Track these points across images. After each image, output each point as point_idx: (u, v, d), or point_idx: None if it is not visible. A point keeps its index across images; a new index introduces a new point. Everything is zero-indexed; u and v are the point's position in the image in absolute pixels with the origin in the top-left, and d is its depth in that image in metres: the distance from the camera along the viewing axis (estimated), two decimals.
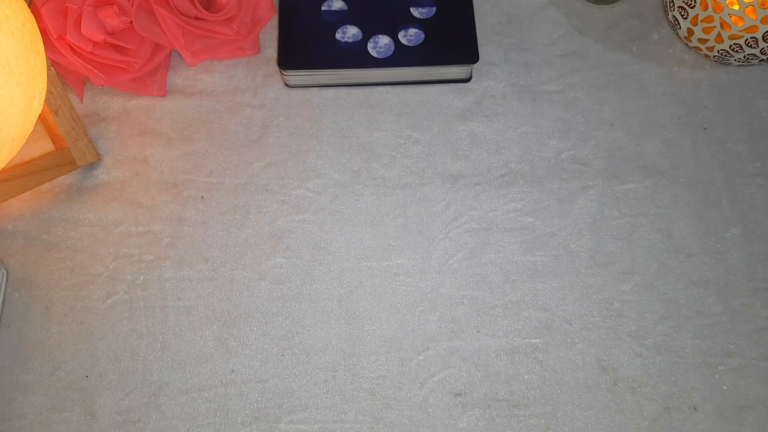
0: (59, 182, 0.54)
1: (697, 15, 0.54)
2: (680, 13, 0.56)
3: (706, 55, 0.57)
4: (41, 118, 0.53)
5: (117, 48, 0.54)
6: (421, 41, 0.57)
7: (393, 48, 0.56)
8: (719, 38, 0.54)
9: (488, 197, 0.54)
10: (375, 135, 0.56)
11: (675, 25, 0.58)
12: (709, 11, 0.53)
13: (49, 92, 0.50)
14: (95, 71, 0.53)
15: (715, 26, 0.54)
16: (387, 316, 0.50)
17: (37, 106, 0.45)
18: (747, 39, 0.53)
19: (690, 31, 0.56)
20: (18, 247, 0.52)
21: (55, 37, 0.52)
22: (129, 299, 0.50)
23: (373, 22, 0.57)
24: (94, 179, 0.54)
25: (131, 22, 0.53)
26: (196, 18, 0.55)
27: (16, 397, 0.47)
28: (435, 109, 0.57)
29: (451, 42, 0.56)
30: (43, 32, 0.51)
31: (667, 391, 0.48)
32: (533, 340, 0.49)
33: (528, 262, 0.51)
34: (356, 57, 0.56)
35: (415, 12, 0.58)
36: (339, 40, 0.57)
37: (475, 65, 0.57)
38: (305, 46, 0.56)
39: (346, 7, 0.58)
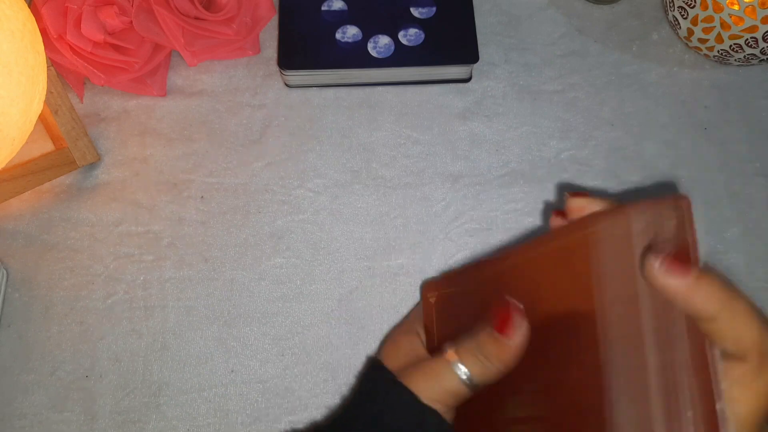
0: (59, 182, 0.54)
1: (697, 15, 0.54)
2: (680, 13, 0.56)
3: (706, 55, 0.57)
4: (41, 118, 0.53)
5: (117, 48, 0.54)
6: (421, 41, 0.57)
7: (393, 48, 0.56)
8: (719, 38, 0.54)
9: (488, 197, 0.54)
10: (375, 135, 0.56)
11: (675, 25, 0.58)
12: (709, 11, 0.53)
13: (49, 92, 0.50)
14: (95, 71, 0.53)
15: (715, 26, 0.54)
16: (387, 316, 0.50)
17: (37, 106, 0.45)
18: (747, 39, 0.53)
19: (690, 31, 0.56)
20: (18, 247, 0.52)
21: (55, 37, 0.52)
22: (129, 299, 0.50)
23: (373, 22, 0.57)
24: (94, 179, 0.54)
25: (131, 22, 0.53)
26: (196, 18, 0.55)
27: (16, 397, 0.47)
28: (435, 109, 0.57)
29: (451, 42, 0.56)
30: (43, 32, 0.51)
31: None
32: None
33: None
34: (356, 57, 0.56)
35: (415, 12, 0.58)
36: (339, 40, 0.57)
37: (475, 65, 0.57)
38: (305, 46, 0.56)
39: (346, 7, 0.58)
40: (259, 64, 0.59)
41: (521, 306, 0.33)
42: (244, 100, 0.57)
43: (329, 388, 0.48)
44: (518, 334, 0.33)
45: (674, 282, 0.28)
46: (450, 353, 0.35)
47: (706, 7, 0.53)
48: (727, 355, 0.29)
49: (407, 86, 0.58)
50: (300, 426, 0.47)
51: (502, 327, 0.33)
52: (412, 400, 0.35)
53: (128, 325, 0.49)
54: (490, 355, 0.34)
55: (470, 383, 0.35)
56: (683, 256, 0.28)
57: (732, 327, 0.28)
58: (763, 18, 0.51)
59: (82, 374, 0.48)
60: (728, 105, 0.57)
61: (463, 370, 0.35)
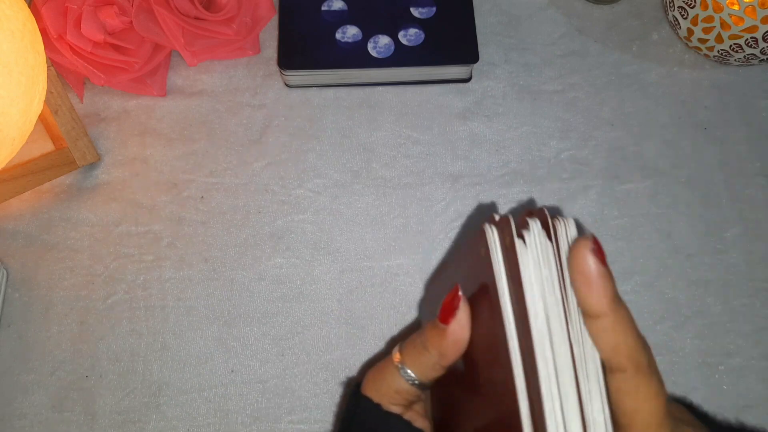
0: (59, 182, 0.54)
1: (697, 15, 0.54)
2: (680, 13, 0.56)
3: (706, 55, 0.57)
4: (41, 118, 0.53)
5: (117, 48, 0.54)
6: (421, 41, 0.57)
7: (393, 48, 0.56)
8: (719, 38, 0.54)
9: (488, 197, 0.54)
10: (375, 135, 0.56)
11: (675, 25, 0.58)
12: (709, 11, 0.53)
13: (49, 92, 0.50)
14: (95, 71, 0.53)
15: (715, 26, 0.54)
16: (387, 316, 0.50)
17: (37, 106, 0.45)
18: (747, 39, 0.53)
19: (690, 31, 0.56)
20: (18, 247, 0.52)
21: (55, 37, 0.52)
22: (129, 299, 0.50)
23: (373, 22, 0.57)
24: (94, 179, 0.54)
25: (131, 22, 0.53)
26: (196, 18, 0.55)
27: (16, 397, 0.47)
28: (435, 109, 0.57)
29: (451, 42, 0.56)
30: (43, 32, 0.51)
31: (667, 391, 0.47)
32: None
33: None
34: (356, 57, 0.56)
35: (415, 12, 0.58)
36: (339, 40, 0.57)
37: (475, 65, 0.57)
38: (305, 46, 0.56)
39: (346, 7, 0.58)
40: (259, 64, 0.59)
41: (461, 294, 0.33)
42: (244, 100, 0.57)
43: (329, 388, 0.48)
44: (455, 321, 0.32)
45: (594, 267, 0.27)
46: (396, 354, 0.35)
47: (706, 7, 0.53)
48: (609, 369, 0.29)
49: (407, 86, 0.58)
50: (301, 426, 0.47)
51: (444, 316, 0.32)
52: (374, 408, 0.35)
53: (128, 325, 0.49)
54: (430, 346, 0.33)
55: (416, 383, 0.34)
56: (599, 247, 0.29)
57: (613, 331, 0.28)
58: (763, 18, 0.51)
59: (82, 374, 0.48)
60: (728, 105, 0.57)
61: (408, 372, 0.34)
